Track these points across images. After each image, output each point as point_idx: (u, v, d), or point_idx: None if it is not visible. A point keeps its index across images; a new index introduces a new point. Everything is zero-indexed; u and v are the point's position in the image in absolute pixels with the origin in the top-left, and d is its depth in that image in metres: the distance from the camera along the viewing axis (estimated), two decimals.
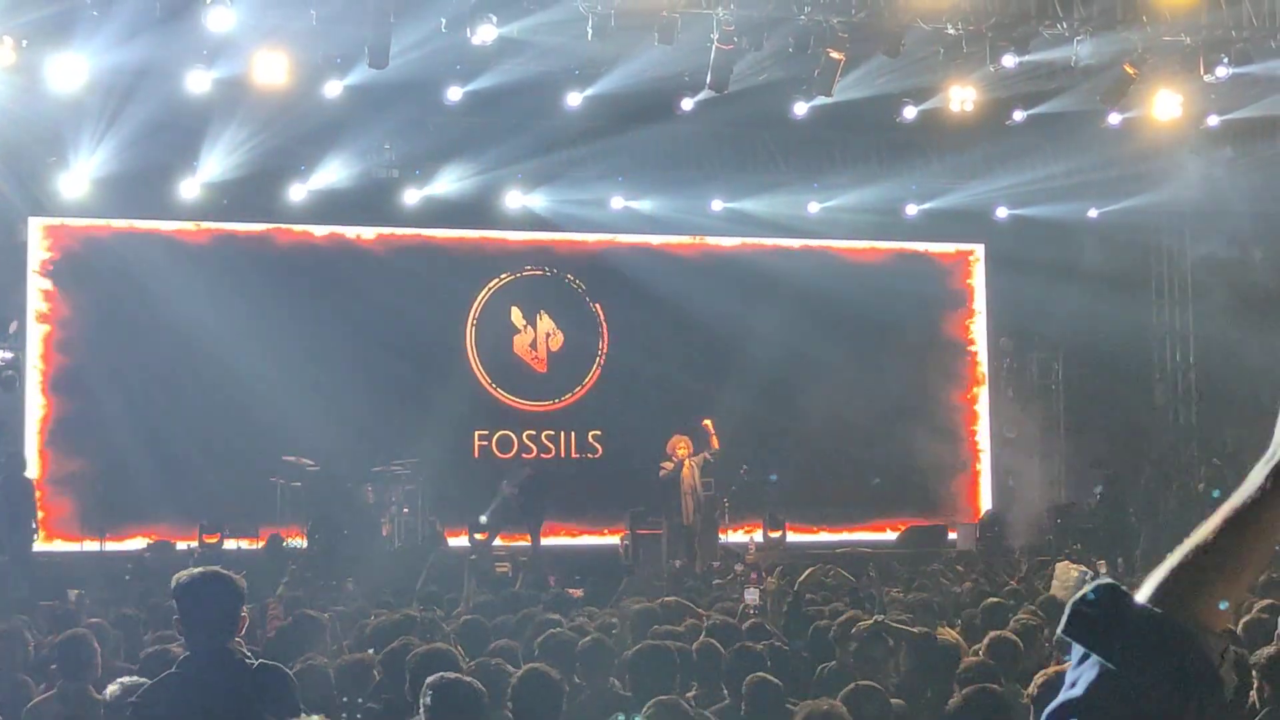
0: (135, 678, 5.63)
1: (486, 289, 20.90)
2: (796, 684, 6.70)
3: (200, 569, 4.99)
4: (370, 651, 7.34)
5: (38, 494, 17.48)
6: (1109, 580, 1.69)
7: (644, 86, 17.50)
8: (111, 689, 5.55)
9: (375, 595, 12.23)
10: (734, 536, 19.22)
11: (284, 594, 11.94)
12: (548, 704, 5.58)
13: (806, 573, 8.40)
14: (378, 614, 9.42)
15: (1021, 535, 19.52)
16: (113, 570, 15.56)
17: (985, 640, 7.28)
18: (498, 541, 18.09)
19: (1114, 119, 18.51)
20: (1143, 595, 1.67)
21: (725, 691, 6.61)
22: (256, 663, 4.96)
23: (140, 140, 17.50)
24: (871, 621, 7.23)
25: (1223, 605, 1.66)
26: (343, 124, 18.50)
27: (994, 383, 22.84)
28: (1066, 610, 1.66)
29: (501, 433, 20.75)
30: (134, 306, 18.93)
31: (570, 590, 13.26)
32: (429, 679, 5.46)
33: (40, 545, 16.94)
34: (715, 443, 18.30)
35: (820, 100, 17.50)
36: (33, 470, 18.09)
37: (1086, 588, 1.68)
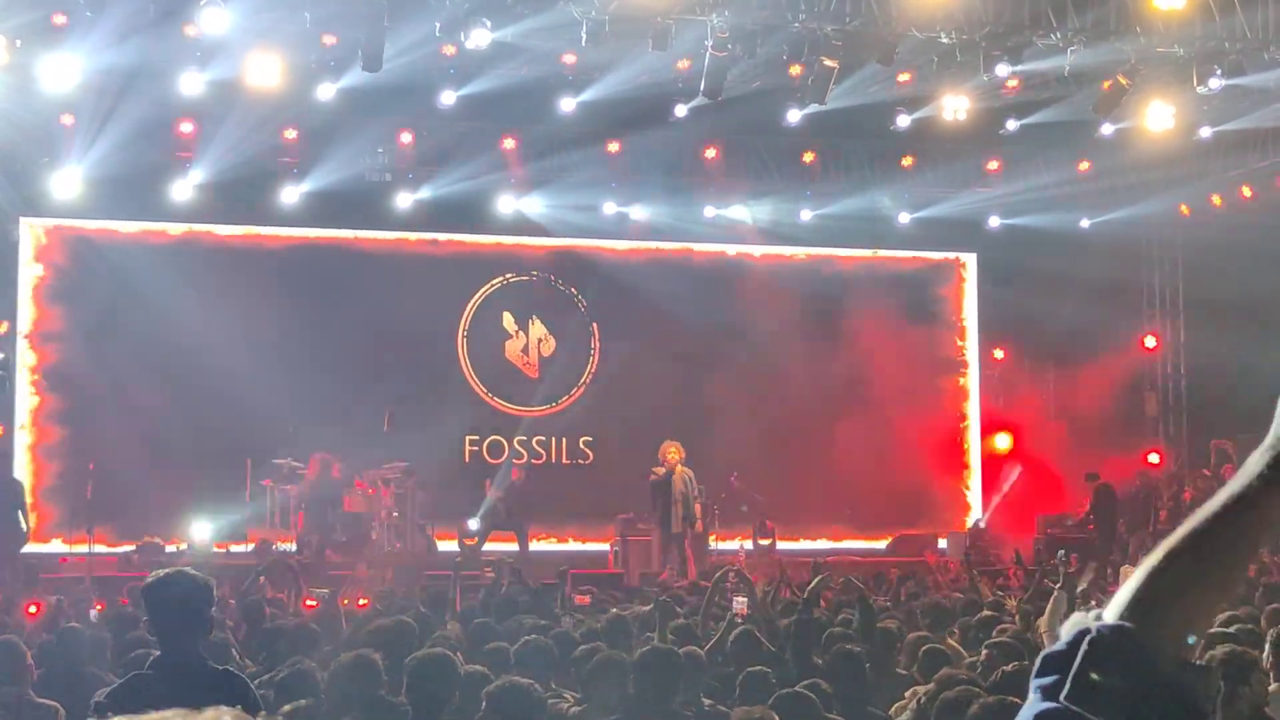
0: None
1: (479, 294, 20.88)
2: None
3: (166, 569, 4.94)
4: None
5: (29, 496, 17.40)
6: (1104, 625, 1.49)
7: (637, 93, 17.50)
8: (99, 697, 5.54)
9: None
10: (724, 544, 19.18)
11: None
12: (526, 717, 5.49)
13: (815, 580, 8.35)
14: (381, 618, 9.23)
15: (1010, 545, 19.48)
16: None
17: (983, 651, 7.29)
18: (487, 545, 18.05)
19: (1107, 129, 18.52)
20: (1113, 610, 1.51)
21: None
22: (220, 669, 4.94)
23: (133, 141, 17.46)
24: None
25: (1190, 640, 1.49)
26: (335, 127, 18.50)
27: (985, 392, 22.84)
28: (1071, 676, 1.46)
29: (493, 438, 20.71)
30: (125, 308, 18.88)
31: (578, 597, 13.00)
32: (406, 660, 5.51)
33: (30, 546, 16.85)
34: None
35: (814, 108, 17.51)
36: (22, 471, 18.03)
37: (1070, 632, 1.49)
